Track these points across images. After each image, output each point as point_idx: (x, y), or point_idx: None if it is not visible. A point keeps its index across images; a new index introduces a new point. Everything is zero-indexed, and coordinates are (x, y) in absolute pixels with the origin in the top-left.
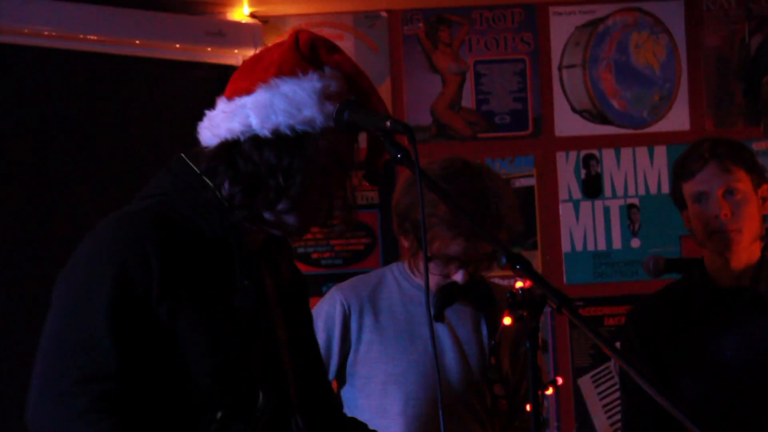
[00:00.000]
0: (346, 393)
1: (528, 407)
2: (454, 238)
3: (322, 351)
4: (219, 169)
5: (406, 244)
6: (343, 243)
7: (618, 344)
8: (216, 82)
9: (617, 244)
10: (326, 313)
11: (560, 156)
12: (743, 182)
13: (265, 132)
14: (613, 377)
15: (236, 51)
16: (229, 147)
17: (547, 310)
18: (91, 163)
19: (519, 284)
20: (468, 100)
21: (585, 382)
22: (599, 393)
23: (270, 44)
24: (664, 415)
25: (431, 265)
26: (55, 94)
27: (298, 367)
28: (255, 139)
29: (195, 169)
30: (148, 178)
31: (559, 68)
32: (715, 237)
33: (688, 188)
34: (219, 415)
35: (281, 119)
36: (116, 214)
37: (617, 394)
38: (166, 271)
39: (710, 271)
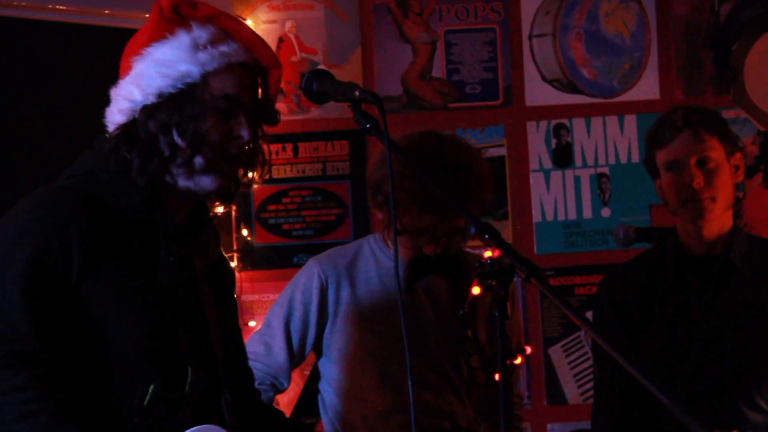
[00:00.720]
0: (323, 365)
1: (496, 376)
2: (424, 212)
3: (299, 323)
4: (119, 142)
5: (379, 216)
6: (314, 214)
7: (590, 313)
8: None
9: (588, 213)
10: (303, 284)
11: (531, 125)
12: (716, 151)
13: (150, 98)
14: (583, 346)
15: None
16: (127, 125)
17: (518, 279)
18: (60, 135)
19: (488, 254)
20: (438, 70)
21: (555, 351)
22: (570, 362)
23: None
24: (636, 384)
25: (404, 239)
26: (23, 65)
27: (225, 345)
28: (144, 109)
29: (108, 144)
30: None
31: (530, 37)
32: (688, 206)
33: (661, 156)
34: (151, 388)
35: (160, 81)
36: (42, 189)
37: (588, 363)
38: (87, 249)
39: (682, 240)
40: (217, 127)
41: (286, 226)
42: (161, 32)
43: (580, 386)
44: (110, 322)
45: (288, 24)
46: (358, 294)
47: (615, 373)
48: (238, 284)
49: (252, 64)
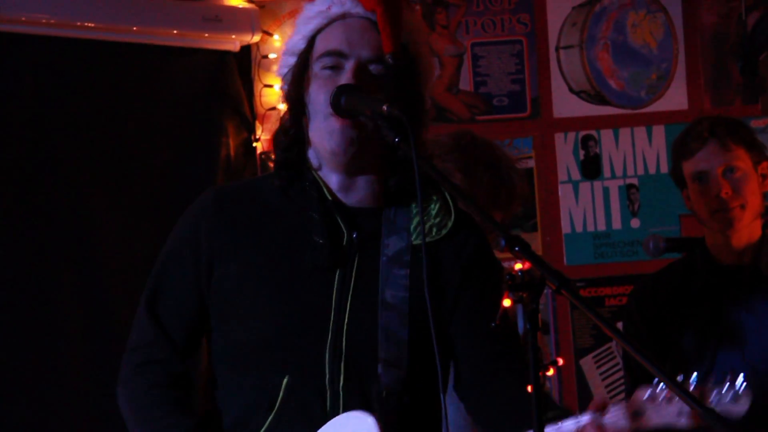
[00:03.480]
0: None
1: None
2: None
3: None
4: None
5: None
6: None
7: (621, 324)
8: (213, 68)
9: (617, 224)
10: None
11: (559, 137)
12: (743, 160)
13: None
14: (615, 357)
15: (233, 36)
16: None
17: (548, 291)
18: (88, 151)
19: (518, 266)
20: (466, 83)
21: (587, 363)
22: (601, 373)
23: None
24: None
25: None
26: (52, 83)
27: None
28: (283, 92)
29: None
30: (146, 164)
31: (557, 49)
32: (717, 216)
33: (688, 167)
34: (286, 380)
35: (287, 58)
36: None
37: (619, 374)
38: (214, 243)
39: (711, 250)
40: (320, 88)
41: None
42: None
43: (612, 397)
44: (240, 311)
45: None
46: None
47: (646, 383)
48: None
49: (353, 14)
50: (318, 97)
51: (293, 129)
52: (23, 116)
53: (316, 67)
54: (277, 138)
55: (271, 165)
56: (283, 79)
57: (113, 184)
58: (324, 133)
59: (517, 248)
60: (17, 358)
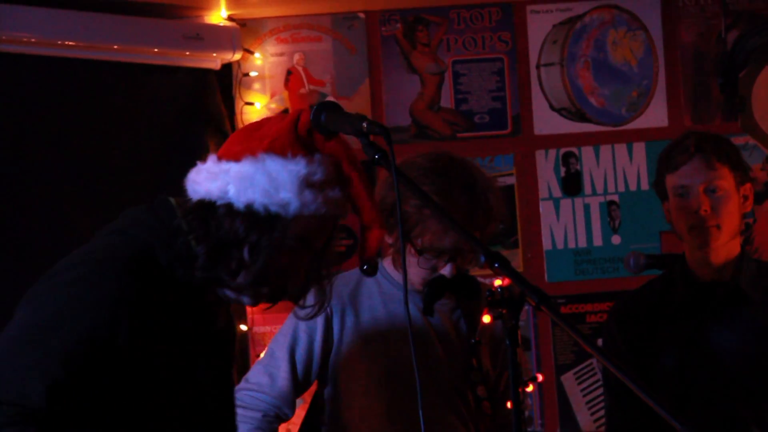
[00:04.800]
0: (328, 393)
1: (509, 404)
2: (447, 230)
3: (304, 352)
4: (192, 224)
5: (389, 240)
6: (336, 239)
7: (600, 341)
8: (194, 86)
9: (598, 241)
10: None
11: (539, 154)
12: (726, 180)
13: (240, 204)
14: (596, 373)
15: (214, 54)
16: (206, 206)
17: (529, 308)
18: (69, 169)
19: (498, 282)
20: (447, 100)
21: (568, 379)
22: (582, 390)
23: (273, 116)
24: (647, 411)
25: (420, 260)
26: (33, 100)
27: (215, 410)
28: (229, 207)
29: (178, 217)
30: (127, 182)
31: (537, 66)
32: (693, 232)
33: (671, 181)
34: None
35: (257, 196)
36: (101, 252)
37: (601, 391)
38: (134, 330)
39: (691, 266)
40: (280, 267)
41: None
42: (284, 147)
43: (593, 413)
44: (127, 399)
45: (296, 57)
46: (362, 322)
47: (626, 400)
48: (249, 316)
49: (343, 216)
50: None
51: None
52: (3, 134)
53: (290, 239)
54: None
55: None
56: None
57: (94, 201)
58: (249, 299)
59: (496, 264)
60: None
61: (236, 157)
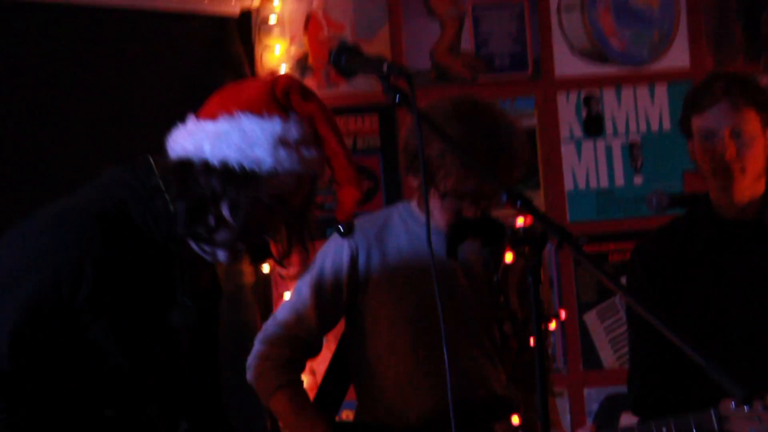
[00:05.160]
0: (354, 332)
1: (532, 341)
2: (469, 174)
3: (330, 291)
4: (170, 182)
5: (414, 183)
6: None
7: (624, 280)
8: (213, 34)
9: (620, 181)
10: (334, 253)
11: (561, 96)
12: (752, 123)
13: (215, 161)
14: (618, 311)
15: (233, 2)
16: (183, 164)
17: (551, 246)
18: (87, 117)
19: (520, 221)
20: (467, 44)
21: (591, 317)
22: (605, 328)
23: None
24: (671, 348)
25: (444, 203)
26: (50, 49)
27: (199, 375)
28: (205, 164)
29: (156, 176)
30: (146, 131)
31: (558, 10)
32: (718, 175)
33: (697, 123)
34: (109, 413)
35: (232, 153)
36: (64, 206)
37: (623, 329)
38: (100, 283)
39: (714, 205)
40: (258, 224)
41: (318, 199)
42: (261, 106)
43: (615, 351)
44: (92, 353)
45: (315, 1)
46: (389, 262)
47: (650, 338)
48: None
49: (320, 175)
50: None
51: None
52: (20, 84)
53: (266, 197)
54: None
55: None
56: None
57: (112, 151)
58: (224, 254)
59: (518, 203)
60: None
61: (213, 116)
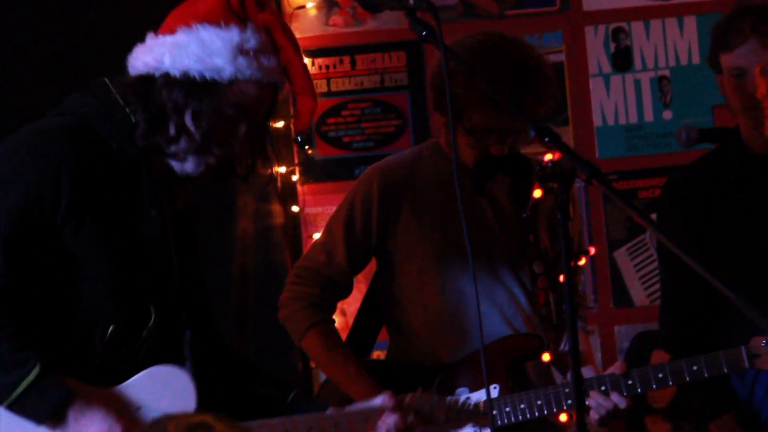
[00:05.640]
0: (384, 272)
1: (561, 278)
2: (495, 110)
3: (361, 230)
4: (131, 98)
5: (442, 121)
6: (373, 126)
7: (654, 216)
8: None
9: (649, 116)
10: (364, 192)
11: (589, 30)
12: None
13: (175, 72)
14: (649, 248)
15: None
16: (144, 80)
17: (580, 183)
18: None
19: (548, 157)
20: None
21: (621, 255)
22: (635, 265)
23: None
24: (702, 284)
25: (470, 140)
26: None
27: (189, 290)
28: (166, 77)
29: (114, 93)
30: None
31: None
32: (749, 113)
33: (726, 61)
34: (111, 329)
35: (192, 63)
36: (33, 127)
37: (654, 266)
38: (76, 192)
39: (745, 140)
40: (222, 134)
41: (346, 139)
42: (217, 17)
43: (646, 288)
44: (85, 263)
45: None
46: (418, 201)
47: (681, 275)
48: (300, 197)
49: (280, 85)
50: None
51: None
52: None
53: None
54: None
55: None
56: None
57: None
58: (192, 165)
59: (547, 139)
60: None
61: (171, 30)
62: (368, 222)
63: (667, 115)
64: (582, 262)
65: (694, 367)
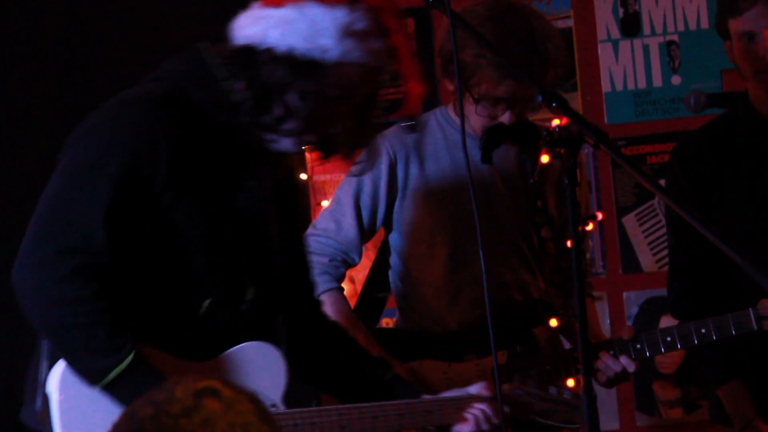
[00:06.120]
0: (393, 240)
1: (568, 243)
2: (503, 78)
3: (369, 199)
4: (235, 69)
5: (450, 88)
6: (381, 92)
7: (663, 181)
8: None
9: (658, 81)
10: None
11: None
12: None
13: (280, 48)
14: (657, 214)
15: None
16: (246, 51)
17: (589, 149)
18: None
19: (556, 122)
20: None
21: (630, 220)
22: (644, 231)
23: None
24: (711, 249)
25: (478, 108)
26: None
27: (287, 266)
28: (270, 52)
29: (212, 61)
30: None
31: None
32: (759, 76)
33: (734, 25)
34: (207, 302)
35: (297, 41)
36: (128, 94)
37: (662, 231)
38: (175, 160)
39: (754, 104)
40: (324, 116)
41: None
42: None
43: (654, 254)
44: (183, 233)
45: None
46: (426, 168)
47: (689, 239)
48: (309, 165)
49: (385, 68)
50: None
51: None
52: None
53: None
54: None
55: None
56: None
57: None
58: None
59: (554, 104)
60: None
61: (279, 3)
62: (377, 191)
63: (676, 80)
64: (589, 227)
65: (702, 330)
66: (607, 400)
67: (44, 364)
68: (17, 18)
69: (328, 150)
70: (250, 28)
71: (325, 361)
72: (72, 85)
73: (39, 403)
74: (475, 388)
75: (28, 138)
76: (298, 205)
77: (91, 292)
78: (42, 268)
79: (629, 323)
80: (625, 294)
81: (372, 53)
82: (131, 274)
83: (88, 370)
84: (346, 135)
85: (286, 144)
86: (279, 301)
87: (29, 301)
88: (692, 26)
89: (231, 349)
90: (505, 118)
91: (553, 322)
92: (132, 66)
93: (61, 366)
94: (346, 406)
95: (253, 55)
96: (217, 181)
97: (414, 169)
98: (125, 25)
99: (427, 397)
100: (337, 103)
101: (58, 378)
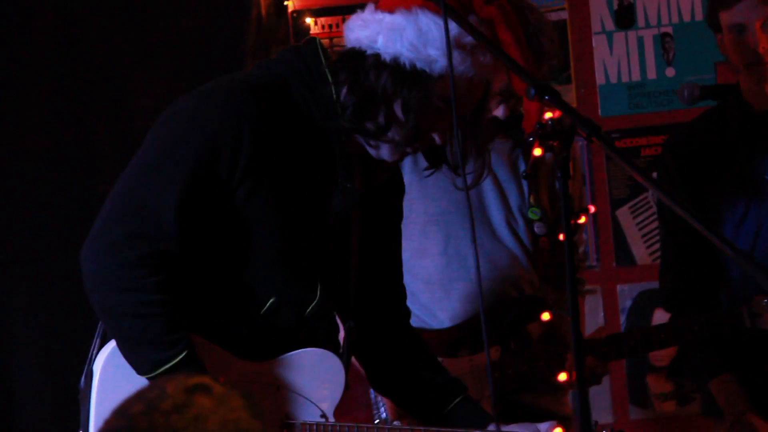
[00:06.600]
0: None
1: (561, 237)
2: (497, 72)
3: None
4: (341, 72)
5: None
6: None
7: (655, 174)
8: None
9: (652, 74)
10: None
11: None
12: None
13: (386, 55)
14: (651, 207)
15: None
16: (354, 54)
17: (583, 142)
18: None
19: (548, 115)
20: None
21: (623, 213)
22: (638, 223)
23: None
24: (702, 242)
25: None
26: None
27: (366, 274)
28: (376, 58)
29: (323, 59)
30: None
31: None
32: (751, 69)
33: (726, 18)
34: (271, 300)
35: (404, 49)
36: (231, 78)
37: (656, 224)
38: (256, 154)
39: (746, 96)
40: (426, 127)
41: None
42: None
43: (648, 247)
44: (254, 229)
45: None
46: (419, 161)
47: (682, 233)
48: None
49: (493, 82)
50: None
51: None
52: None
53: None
54: None
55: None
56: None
57: (143, 45)
58: (388, 153)
59: (546, 97)
60: None
61: (390, 8)
62: None
63: (670, 72)
64: (582, 220)
65: (696, 327)
66: (600, 394)
67: (96, 342)
68: (18, 18)
69: (436, 160)
70: (360, 31)
71: (401, 371)
72: (72, 85)
73: (83, 380)
74: (545, 426)
75: (28, 138)
76: (392, 213)
77: (154, 282)
78: (109, 250)
79: (623, 316)
80: (618, 287)
81: (479, 67)
82: (197, 264)
83: (139, 361)
84: (454, 148)
85: (384, 152)
86: (352, 307)
87: (91, 282)
88: (686, 18)
89: (290, 353)
90: (499, 111)
91: (545, 316)
92: (132, 66)
93: (109, 347)
94: (400, 426)
95: (359, 58)
96: (300, 179)
97: (406, 161)
98: (125, 25)
99: (493, 427)
100: (441, 114)
101: (103, 359)
